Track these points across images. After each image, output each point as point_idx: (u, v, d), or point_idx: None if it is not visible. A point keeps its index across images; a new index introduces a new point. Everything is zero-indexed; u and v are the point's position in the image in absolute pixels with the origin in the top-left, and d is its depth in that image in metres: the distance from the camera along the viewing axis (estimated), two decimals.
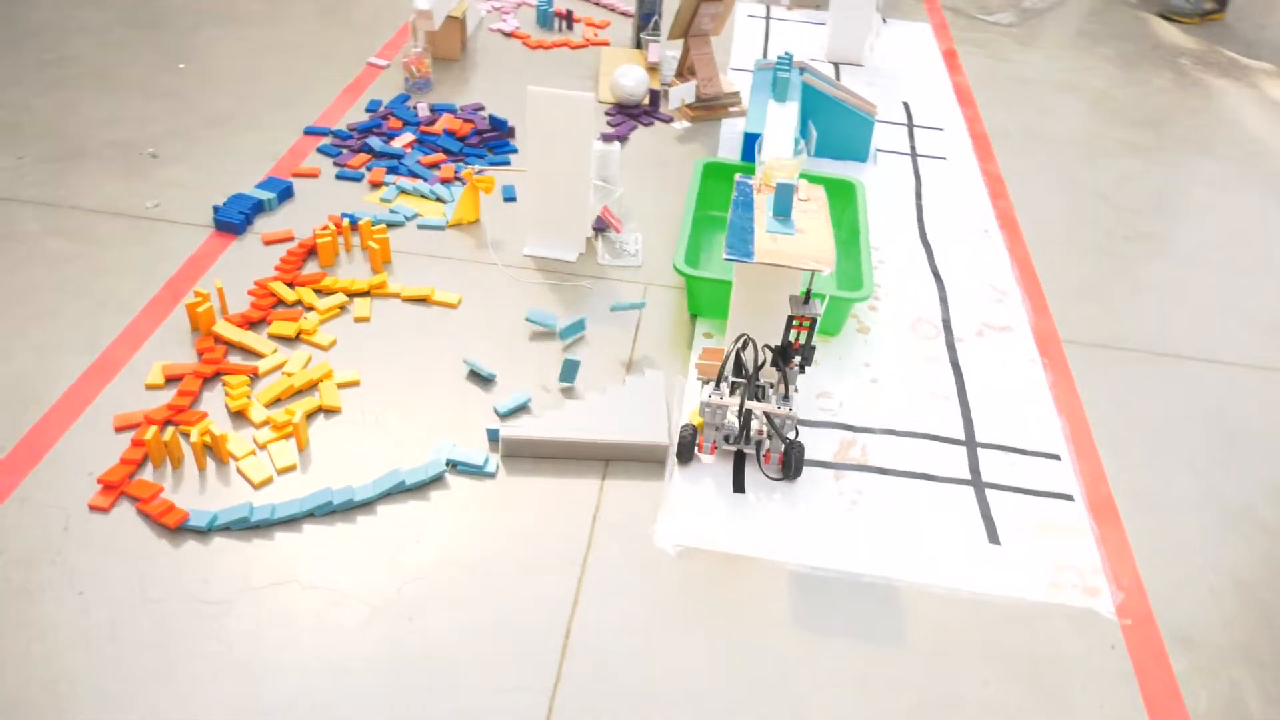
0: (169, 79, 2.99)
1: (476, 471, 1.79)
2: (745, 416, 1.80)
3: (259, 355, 1.99)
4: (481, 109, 2.94)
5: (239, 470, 1.75)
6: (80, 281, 2.16)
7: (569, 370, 1.96)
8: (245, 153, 2.65)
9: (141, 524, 1.65)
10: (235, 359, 1.99)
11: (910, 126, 3.07)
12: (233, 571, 1.59)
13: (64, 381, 1.90)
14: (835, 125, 2.78)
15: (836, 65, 3.41)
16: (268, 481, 1.74)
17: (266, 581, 1.58)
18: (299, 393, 1.92)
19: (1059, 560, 1.73)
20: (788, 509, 1.77)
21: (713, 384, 1.79)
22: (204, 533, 1.64)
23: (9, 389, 1.88)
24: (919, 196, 2.72)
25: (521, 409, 1.92)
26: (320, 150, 2.68)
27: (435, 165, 2.64)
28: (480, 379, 1.98)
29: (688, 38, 2.96)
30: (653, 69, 3.17)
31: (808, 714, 1.47)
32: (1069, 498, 1.85)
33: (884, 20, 3.75)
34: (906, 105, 3.19)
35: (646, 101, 3.01)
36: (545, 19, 3.51)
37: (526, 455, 1.83)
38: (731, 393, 1.80)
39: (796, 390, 1.84)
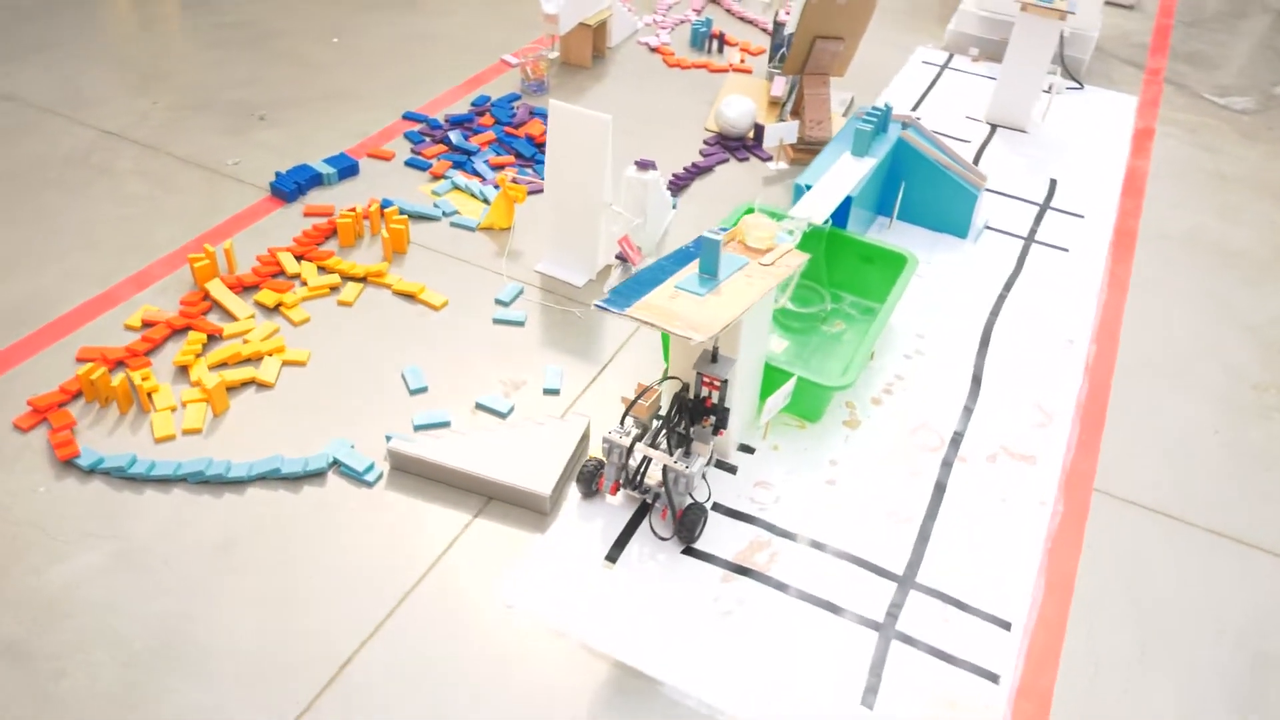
0: (317, 51, 3.20)
1: (355, 477, 1.74)
2: (642, 463, 1.64)
3: (233, 318, 2.07)
4: None
5: (151, 422, 1.82)
6: (133, 221, 2.35)
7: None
8: (341, 128, 2.78)
9: (43, 450, 1.75)
10: (213, 317, 2.07)
11: (1044, 207, 2.67)
12: (86, 512, 1.65)
13: (64, 307, 2.07)
14: (933, 193, 2.47)
15: (993, 127, 3.04)
16: (169, 438, 1.79)
17: (107, 533, 1.62)
18: (245, 361, 1.97)
19: None
20: (650, 598, 1.58)
21: (623, 422, 1.66)
22: (86, 472, 1.72)
23: (18, 303, 2.08)
24: (1008, 288, 2.35)
25: (439, 426, 1.86)
26: (406, 135, 2.76)
27: (501, 167, 2.63)
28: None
29: (803, 74, 2.74)
30: (775, 103, 2.98)
31: None
32: (994, 678, 1.51)
33: (1065, 86, 3.29)
34: (1053, 183, 2.78)
35: (750, 135, 2.83)
36: (698, 39, 3.41)
37: (413, 473, 1.76)
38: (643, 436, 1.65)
39: (711, 455, 1.68)
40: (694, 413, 1.65)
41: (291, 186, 2.45)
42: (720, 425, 1.67)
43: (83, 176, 2.49)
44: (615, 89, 3.11)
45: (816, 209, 2.09)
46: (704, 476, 1.72)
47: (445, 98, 2.98)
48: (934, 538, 1.72)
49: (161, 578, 1.57)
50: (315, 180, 2.51)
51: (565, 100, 2.98)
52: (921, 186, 2.47)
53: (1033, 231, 2.57)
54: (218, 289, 2.11)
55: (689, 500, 1.66)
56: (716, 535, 1.69)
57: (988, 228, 2.56)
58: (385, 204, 2.41)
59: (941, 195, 2.47)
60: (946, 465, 1.86)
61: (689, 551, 1.67)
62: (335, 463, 1.76)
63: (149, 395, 1.85)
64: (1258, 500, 1.86)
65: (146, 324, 2.02)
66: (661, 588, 1.60)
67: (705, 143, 2.84)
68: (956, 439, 1.92)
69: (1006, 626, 1.59)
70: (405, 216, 2.34)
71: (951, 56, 3.47)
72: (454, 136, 2.72)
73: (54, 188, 2.44)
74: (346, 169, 2.56)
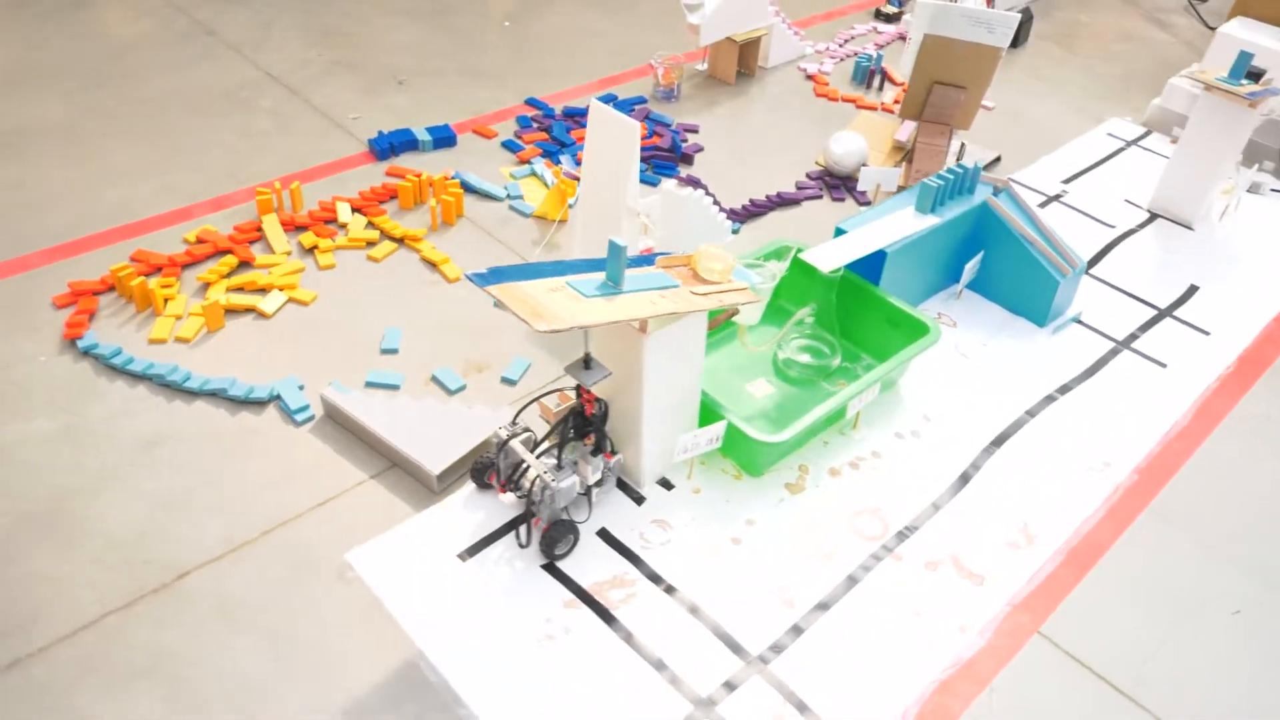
0: (486, 31, 3.37)
1: (288, 413, 1.84)
2: (520, 465, 1.61)
3: (271, 251, 2.24)
4: (694, 130, 2.86)
5: (154, 324, 2.01)
6: (241, 152, 2.60)
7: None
8: (466, 103, 2.91)
9: (61, 327, 1.99)
10: (258, 247, 2.26)
11: (1163, 313, 2.29)
12: (63, 386, 1.86)
13: (145, 214, 2.34)
14: (1013, 269, 2.19)
15: (1153, 215, 2.65)
16: (160, 341, 1.98)
17: (68, 407, 1.82)
18: (259, 290, 2.12)
19: None
20: (482, 602, 1.54)
21: (515, 419, 1.66)
22: (80, 353, 1.93)
23: (114, 204, 2.37)
24: (1064, 390, 2.04)
25: (387, 388, 1.91)
26: (518, 119, 2.85)
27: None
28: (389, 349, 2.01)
29: (921, 122, 2.53)
30: (898, 148, 2.78)
31: None
32: None
33: (1269, 186, 2.79)
34: (1192, 289, 2.38)
35: (856, 176, 2.66)
36: (860, 73, 3.24)
37: (339, 423, 1.83)
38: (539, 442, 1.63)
39: (604, 477, 1.64)
40: (578, 427, 1.59)
41: (386, 146, 2.61)
42: (600, 446, 1.60)
43: (224, 107, 2.79)
44: (744, 108, 3.03)
45: (828, 257, 1.93)
46: (589, 496, 1.65)
47: (575, 91, 3.04)
48: (813, 630, 1.54)
49: (87, 456, 1.74)
50: (411, 144, 2.66)
51: (691, 112, 2.97)
52: (1002, 260, 2.21)
53: (1132, 337, 2.22)
54: (271, 223, 2.30)
55: (560, 515, 1.61)
56: (587, 559, 1.62)
57: (1078, 321, 2.24)
58: (458, 175, 2.51)
59: (1021, 274, 2.19)
60: (875, 559, 1.66)
61: (550, 567, 1.61)
62: (276, 397, 1.87)
63: (164, 301, 2.05)
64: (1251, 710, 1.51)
65: (200, 240, 2.24)
66: (499, 595, 1.56)
67: (808, 175, 2.70)
68: (903, 535, 1.71)
69: None
70: (461, 190, 2.42)
71: (1147, 134, 3.07)
72: (557, 127, 2.77)
73: (199, 113, 2.76)
74: (443, 139, 2.68)
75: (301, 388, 1.89)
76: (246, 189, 2.44)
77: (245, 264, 2.20)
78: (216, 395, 1.87)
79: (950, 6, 2.24)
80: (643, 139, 2.75)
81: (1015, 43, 3.60)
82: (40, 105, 2.74)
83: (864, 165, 2.64)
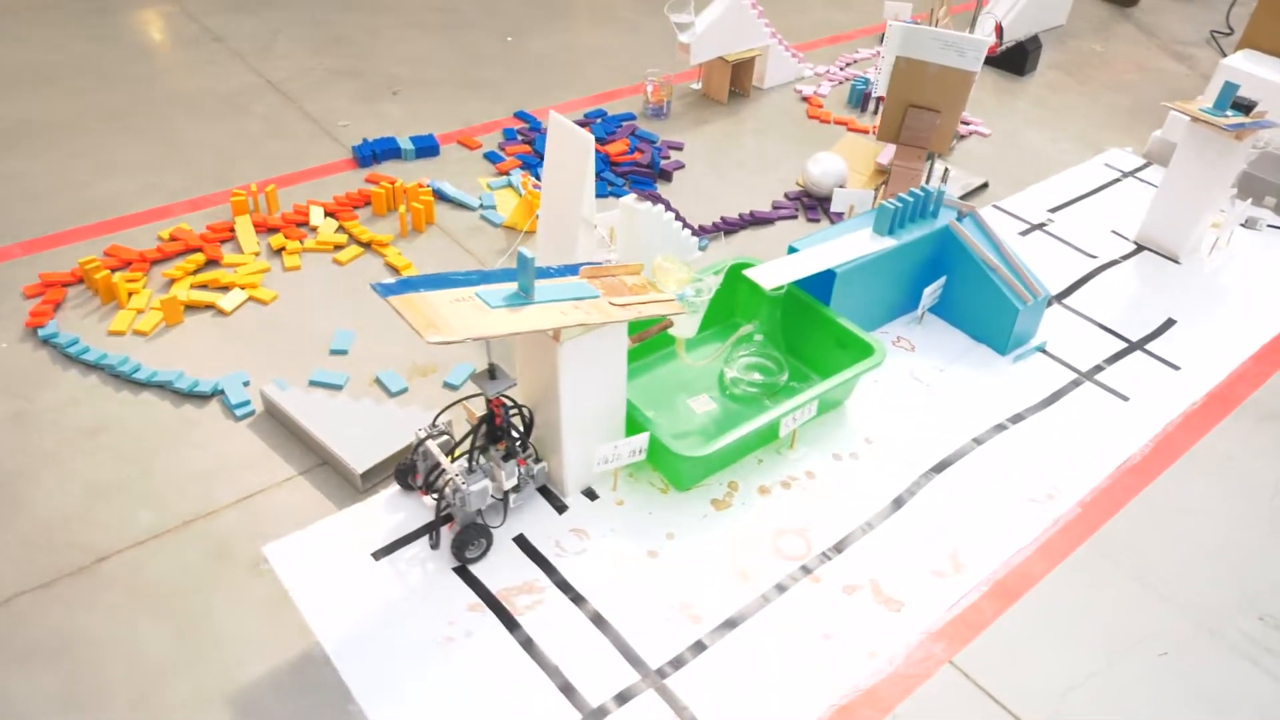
0: (489, 45, 3.43)
1: (229, 408, 1.87)
2: (435, 467, 1.62)
3: (240, 251, 2.29)
4: (678, 147, 2.87)
5: (117, 316, 2.07)
6: (228, 154, 2.67)
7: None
8: (457, 113, 2.96)
9: (24, 314, 2.06)
10: (229, 247, 2.31)
11: (1134, 346, 2.24)
12: (19, 372, 1.92)
13: (127, 210, 2.41)
14: (974, 296, 2.16)
15: (1139, 248, 2.60)
16: (119, 333, 2.03)
17: (20, 393, 1.88)
18: (222, 288, 2.17)
19: None
20: (388, 600, 1.55)
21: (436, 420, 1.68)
22: (41, 341, 1.99)
23: (100, 198, 2.44)
24: (1017, 420, 2.00)
25: (330, 387, 1.94)
26: (504, 131, 2.88)
27: None
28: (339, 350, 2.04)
29: (898, 145, 2.51)
30: (881, 171, 2.75)
31: None
32: None
33: (1265, 222, 2.71)
34: (1169, 323, 2.32)
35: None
36: (856, 96, 3.23)
37: (277, 420, 1.86)
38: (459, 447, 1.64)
39: (521, 482, 1.65)
40: (490, 434, 1.60)
41: (369, 153, 2.66)
42: (512, 453, 1.60)
43: (220, 110, 2.87)
44: (733, 127, 3.04)
45: (772, 274, 1.92)
46: (505, 501, 1.65)
47: (567, 105, 3.07)
48: (716, 647, 1.52)
49: (31, 440, 1.79)
50: (394, 152, 2.70)
51: (679, 130, 2.98)
52: (963, 286, 2.18)
53: (1097, 369, 2.17)
54: (243, 224, 2.35)
55: (474, 519, 1.61)
56: (499, 564, 1.62)
57: (1041, 351, 2.20)
58: (432, 184, 2.55)
59: (982, 300, 2.15)
60: (792, 579, 1.64)
61: (461, 570, 1.61)
62: (219, 391, 1.90)
63: (128, 295, 2.11)
64: None
65: (173, 238, 2.30)
66: (406, 595, 1.57)
67: (786, 195, 2.69)
68: (826, 557, 1.69)
69: None
70: (432, 197, 2.46)
71: (1146, 165, 3.00)
72: (540, 140, 2.80)
73: (196, 115, 2.84)
74: (426, 148, 2.73)
75: (247, 384, 1.92)
76: (226, 190, 2.50)
77: (213, 262, 2.25)
78: (163, 387, 1.91)
79: (920, 29, 2.23)
80: (624, 155, 2.77)
81: (1022, 71, 3.57)
82: (50, 102, 2.85)
83: (841, 187, 2.63)
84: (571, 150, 2.07)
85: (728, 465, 1.83)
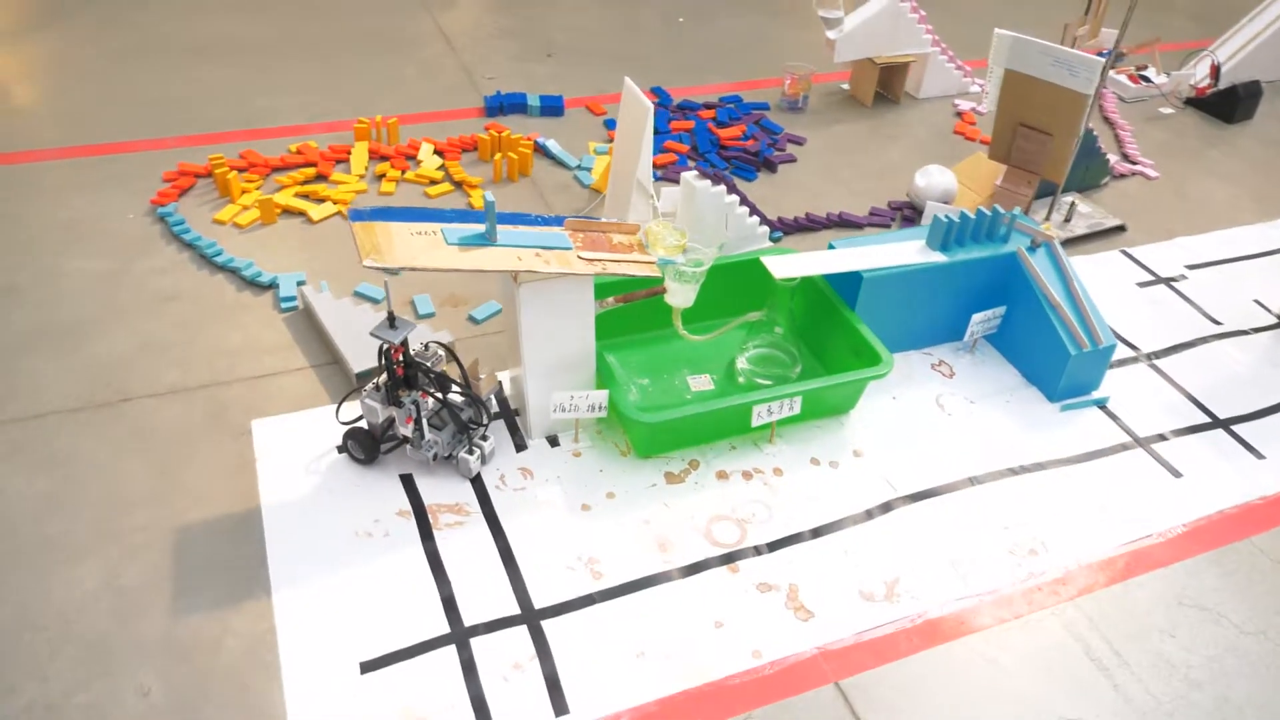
0: (661, 23, 3.51)
1: (278, 299, 2.08)
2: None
3: (349, 171, 2.52)
4: (799, 142, 2.82)
5: (225, 208, 2.35)
6: (380, 86, 2.94)
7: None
8: (595, 82, 3.07)
9: (148, 192, 2.38)
10: (340, 166, 2.54)
11: (1216, 423, 1.97)
12: (130, 239, 2.23)
13: (276, 123, 2.71)
14: (1028, 332, 1.99)
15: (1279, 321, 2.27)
16: (221, 222, 2.30)
17: (119, 257, 2.18)
18: (319, 199, 2.40)
19: None
20: (336, 485, 1.67)
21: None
22: (158, 218, 2.30)
23: (259, 110, 2.76)
24: (1033, 469, 1.83)
25: (369, 299, 2.10)
26: None
27: (669, 151, 2.70)
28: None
29: (1008, 166, 2.34)
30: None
31: None
32: None
33: None
34: (1274, 408, 2.02)
35: None
36: None
37: (309, 316, 2.04)
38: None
39: (403, 427, 1.66)
40: (392, 381, 1.64)
41: (496, 105, 2.83)
42: (411, 384, 1.63)
43: (388, 50, 3.15)
44: (865, 130, 2.94)
45: (787, 265, 1.87)
46: (405, 439, 1.70)
47: (707, 89, 3.10)
48: (604, 605, 1.52)
49: (114, 294, 2.07)
50: (520, 107, 2.85)
51: (808, 125, 2.93)
52: (1023, 320, 2.02)
53: (1159, 438, 1.93)
54: (359, 149, 2.58)
55: (367, 429, 1.69)
56: (443, 481, 1.70)
57: (1100, 406, 1.99)
58: (539, 141, 2.67)
59: (1037, 339, 1.98)
60: (710, 564, 1.61)
61: (408, 479, 1.71)
62: (274, 284, 2.12)
63: (240, 192, 2.38)
64: None
65: (299, 152, 2.57)
66: (349, 488, 1.68)
67: (889, 204, 2.58)
68: (757, 551, 1.64)
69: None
70: (531, 150, 2.58)
71: None
72: (660, 115, 2.85)
73: (366, 52, 3.14)
74: (551, 107, 2.85)
75: (301, 283, 2.12)
76: (361, 119, 2.75)
77: (321, 177, 2.49)
78: (233, 272, 2.15)
79: (1029, 41, 2.06)
80: (737, 140, 2.76)
81: (1231, 118, 3.19)
82: (253, 25, 3.25)
83: (946, 203, 2.49)
84: (635, 116, 2.12)
85: (696, 443, 1.82)
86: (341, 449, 1.75)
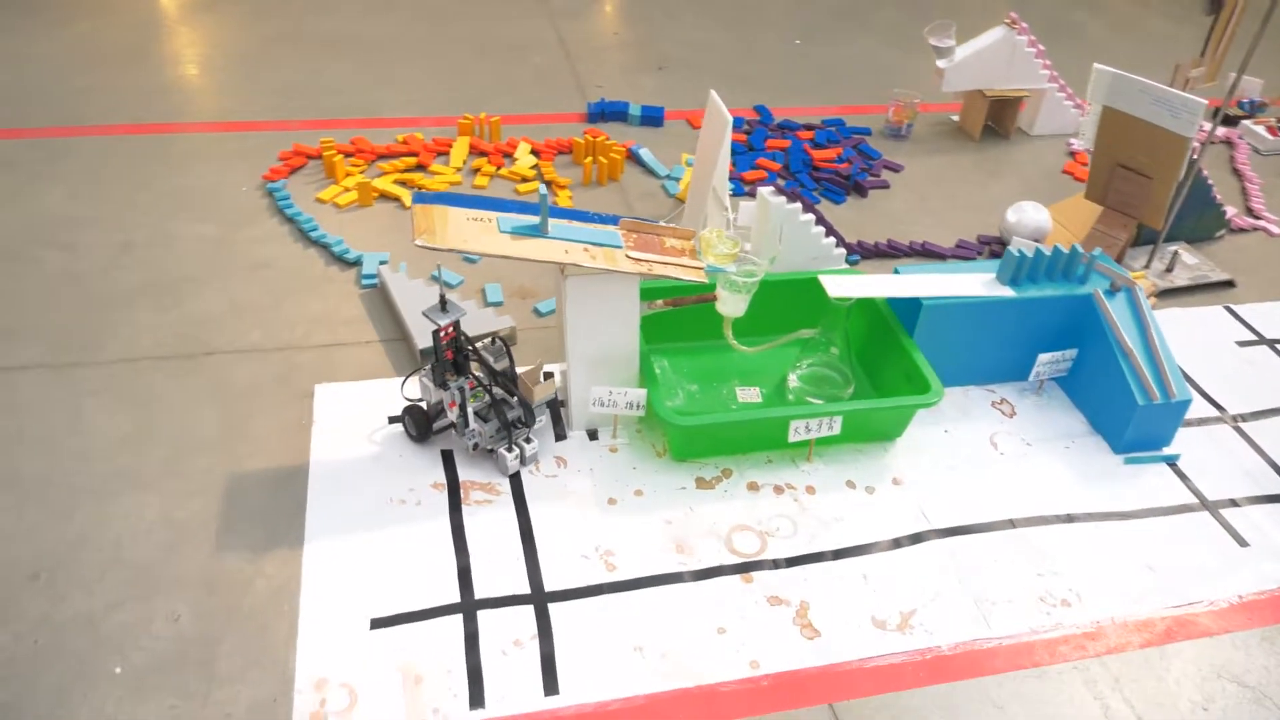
0: (772, 44, 3.53)
1: (361, 275, 2.20)
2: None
3: (448, 163, 2.64)
4: (896, 169, 2.79)
5: (328, 188, 2.50)
6: (492, 87, 3.07)
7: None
8: (700, 95, 3.07)
9: (263, 168, 2.55)
10: (441, 158, 2.67)
11: None
12: (239, 208, 2.41)
13: (388, 114, 2.86)
14: (1098, 379, 1.91)
15: None
16: (322, 201, 2.45)
17: (229, 220, 2.35)
18: (415, 186, 2.52)
19: None
20: (370, 456, 1.75)
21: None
22: (267, 191, 2.47)
23: (374, 103, 2.92)
24: (1081, 520, 1.75)
25: (446, 284, 2.20)
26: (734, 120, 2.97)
27: (761, 167, 2.71)
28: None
29: (1105, 208, 2.24)
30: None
31: None
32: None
33: None
34: None
35: None
36: None
37: (384, 294, 2.15)
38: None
39: (451, 412, 1.73)
40: (457, 365, 1.70)
41: (598, 112, 2.90)
42: (460, 369, 1.69)
43: (505, 55, 3.28)
44: (969, 163, 2.87)
45: (844, 284, 1.85)
46: (458, 423, 1.75)
47: (810, 110, 3.09)
48: (611, 596, 1.55)
49: (216, 258, 2.24)
50: (621, 115, 2.92)
51: (910, 154, 2.89)
52: (1094, 366, 1.93)
53: (1229, 504, 1.82)
54: (460, 143, 2.70)
55: (435, 409, 1.76)
56: (481, 460, 1.77)
57: (1169, 464, 1.89)
58: (634, 148, 2.73)
59: (1106, 386, 1.90)
60: (724, 572, 1.61)
61: (447, 454, 1.78)
62: (359, 261, 2.24)
63: (344, 174, 2.53)
64: None
65: (404, 142, 2.71)
66: (393, 456, 1.76)
67: (979, 238, 2.52)
68: (775, 565, 1.63)
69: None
70: (622, 156, 2.64)
71: None
72: (758, 134, 2.86)
73: (483, 54, 3.28)
74: (651, 118, 2.91)
75: (383, 263, 2.24)
76: (466, 114, 2.88)
77: (421, 167, 2.62)
78: (324, 247, 2.29)
79: (1129, 78, 1.98)
80: (830, 162, 2.75)
81: None
82: (378, 25, 3.45)
83: (1036, 241, 2.41)
84: (716, 128, 2.15)
85: (731, 452, 1.82)
86: (396, 420, 1.84)
